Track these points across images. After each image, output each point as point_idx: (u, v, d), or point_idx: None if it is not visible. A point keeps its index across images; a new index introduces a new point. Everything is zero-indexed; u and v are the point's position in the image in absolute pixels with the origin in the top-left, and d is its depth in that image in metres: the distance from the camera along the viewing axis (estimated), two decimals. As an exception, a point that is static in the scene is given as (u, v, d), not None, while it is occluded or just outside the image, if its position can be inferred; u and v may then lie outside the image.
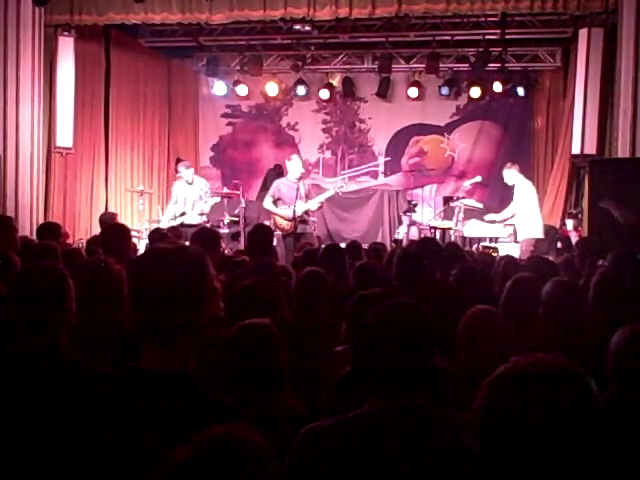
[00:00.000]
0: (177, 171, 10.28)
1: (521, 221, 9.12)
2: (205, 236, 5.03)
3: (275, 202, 8.99)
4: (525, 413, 1.22)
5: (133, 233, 7.69)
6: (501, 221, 9.45)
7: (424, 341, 1.91)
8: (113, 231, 4.91)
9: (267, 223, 7.84)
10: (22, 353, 2.27)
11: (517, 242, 9.28)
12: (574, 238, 9.37)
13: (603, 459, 1.22)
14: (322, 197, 9.19)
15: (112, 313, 3.22)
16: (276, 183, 9.24)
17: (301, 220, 8.94)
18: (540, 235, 9.19)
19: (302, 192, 8.87)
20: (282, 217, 8.90)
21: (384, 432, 1.82)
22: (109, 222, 7.24)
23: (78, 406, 1.76)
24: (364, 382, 1.94)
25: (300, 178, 8.96)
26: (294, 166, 8.99)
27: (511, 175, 9.26)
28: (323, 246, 5.79)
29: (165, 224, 9.37)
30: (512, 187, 9.35)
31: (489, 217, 9.60)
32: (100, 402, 1.72)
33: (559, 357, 1.31)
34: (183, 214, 9.59)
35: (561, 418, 1.21)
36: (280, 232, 8.86)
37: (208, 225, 9.18)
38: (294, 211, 8.76)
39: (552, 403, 1.21)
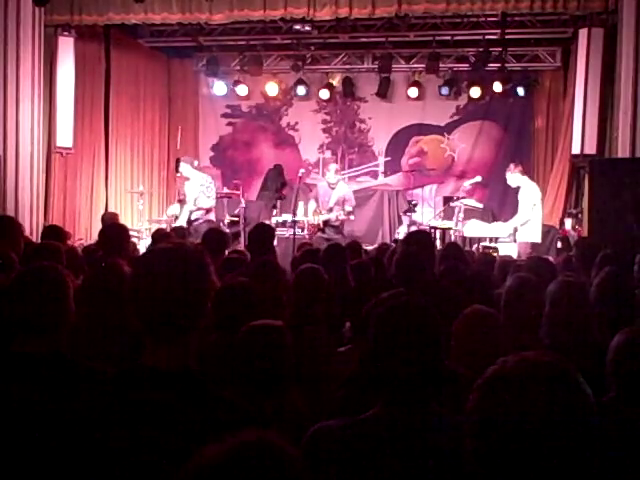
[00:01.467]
0: (177, 171, 10.26)
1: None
2: (213, 238, 5.15)
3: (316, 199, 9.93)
4: (516, 413, 1.21)
5: (133, 233, 7.69)
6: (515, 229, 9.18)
7: (434, 343, 1.88)
8: (112, 231, 4.91)
9: (267, 222, 7.89)
10: (22, 353, 2.27)
11: (515, 242, 9.22)
12: (572, 238, 9.35)
13: (597, 456, 1.22)
14: (323, 217, 9.72)
15: (116, 313, 3.21)
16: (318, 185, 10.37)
17: (319, 229, 9.67)
18: (538, 240, 9.09)
19: (332, 201, 9.68)
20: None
21: (394, 435, 1.80)
22: (109, 222, 7.23)
23: (78, 406, 1.76)
24: (373, 384, 1.91)
25: (333, 185, 9.85)
26: (330, 174, 9.94)
27: (515, 178, 9.13)
28: (323, 246, 5.77)
29: (183, 223, 9.45)
30: (515, 188, 9.28)
31: (504, 231, 9.40)
32: (100, 402, 1.72)
33: (547, 354, 1.31)
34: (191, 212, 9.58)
35: (552, 416, 1.20)
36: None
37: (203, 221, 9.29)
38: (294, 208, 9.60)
39: (542, 401, 1.21)
